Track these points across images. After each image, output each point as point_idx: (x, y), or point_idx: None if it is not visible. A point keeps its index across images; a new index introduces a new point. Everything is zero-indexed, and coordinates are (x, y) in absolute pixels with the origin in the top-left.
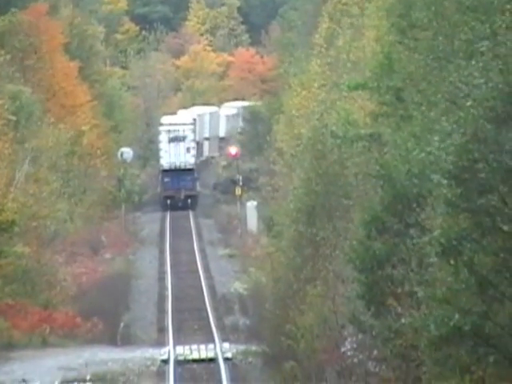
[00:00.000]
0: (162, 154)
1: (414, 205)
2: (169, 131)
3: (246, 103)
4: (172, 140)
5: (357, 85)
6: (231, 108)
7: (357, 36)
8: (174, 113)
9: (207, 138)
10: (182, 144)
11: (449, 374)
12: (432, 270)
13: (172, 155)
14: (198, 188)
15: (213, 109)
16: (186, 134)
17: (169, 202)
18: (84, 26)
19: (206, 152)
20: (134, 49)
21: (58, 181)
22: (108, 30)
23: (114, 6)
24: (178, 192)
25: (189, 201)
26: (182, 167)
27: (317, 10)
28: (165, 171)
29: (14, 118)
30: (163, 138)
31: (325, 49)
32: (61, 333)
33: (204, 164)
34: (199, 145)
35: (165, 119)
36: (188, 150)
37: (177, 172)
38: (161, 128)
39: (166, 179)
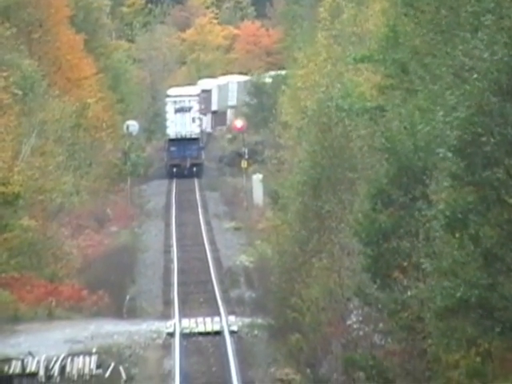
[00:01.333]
0: (168, 123)
1: (420, 178)
2: (175, 102)
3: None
4: (178, 110)
5: (362, 57)
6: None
7: (361, 9)
8: (191, 84)
9: (232, 107)
10: (187, 114)
11: (455, 346)
12: (438, 242)
13: (178, 125)
14: (203, 156)
15: (237, 78)
16: (191, 104)
17: (175, 170)
18: None
19: (228, 120)
20: (140, 22)
21: (64, 154)
22: (114, 3)
23: None
24: (184, 160)
25: (194, 169)
26: (188, 137)
27: None
28: (171, 140)
29: (19, 91)
30: (170, 108)
31: (329, 22)
32: (67, 306)
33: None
34: (223, 114)
35: (171, 91)
36: (193, 120)
37: (183, 141)
38: (167, 99)
39: (172, 148)
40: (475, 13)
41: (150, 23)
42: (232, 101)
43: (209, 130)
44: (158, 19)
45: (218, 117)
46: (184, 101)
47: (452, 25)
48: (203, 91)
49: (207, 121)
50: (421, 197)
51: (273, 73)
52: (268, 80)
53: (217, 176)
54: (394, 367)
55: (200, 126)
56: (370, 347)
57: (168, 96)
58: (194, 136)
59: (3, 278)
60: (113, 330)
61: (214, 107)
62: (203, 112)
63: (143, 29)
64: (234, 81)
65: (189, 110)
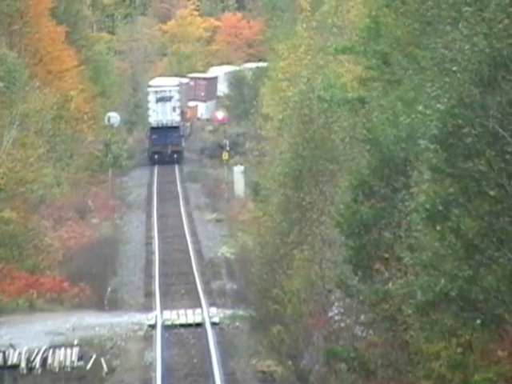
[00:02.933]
0: (150, 112)
1: (401, 169)
2: (156, 92)
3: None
4: (159, 100)
5: (344, 48)
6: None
7: (342, 1)
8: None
9: None
10: (168, 104)
11: (435, 338)
12: (418, 235)
13: (159, 114)
14: (183, 144)
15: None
16: (172, 94)
17: (156, 156)
18: None
19: None
20: (121, 13)
21: (45, 146)
22: None
23: None
24: (165, 147)
25: (175, 156)
26: (169, 125)
27: None
28: (153, 128)
29: (1, 83)
30: (151, 98)
31: (310, 13)
32: (48, 297)
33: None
34: None
35: (153, 81)
36: (174, 109)
37: (164, 129)
38: (149, 89)
39: (154, 136)
40: (455, 4)
41: (131, 15)
42: None
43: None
44: (138, 11)
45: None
46: (165, 91)
47: (434, 16)
48: (209, 78)
49: (212, 106)
50: (402, 188)
51: (253, 65)
52: (248, 72)
53: (198, 167)
54: (376, 358)
55: (180, 114)
56: (351, 339)
57: (150, 86)
58: (174, 124)
59: None
60: (94, 321)
61: (220, 93)
62: (208, 98)
63: (124, 20)
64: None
65: (169, 99)
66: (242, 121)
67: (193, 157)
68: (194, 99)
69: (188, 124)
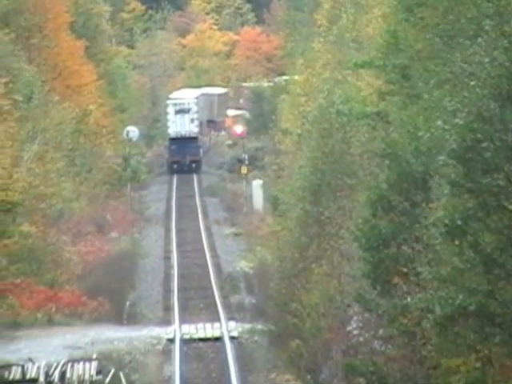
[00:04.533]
0: (169, 124)
1: (420, 184)
2: (175, 104)
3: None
4: (178, 112)
5: (363, 63)
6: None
7: (360, 14)
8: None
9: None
10: (186, 116)
11: (455, 353)
12: (437, 249)
13: (178, 125)
14: (201, 154)
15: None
16: (190, 106)
17: (175, 166)
18: (89, 4)
19: None
20: (140, 28)
21: (64, 160)
22: (114, 9)
23: None
24: (184, 157)
25: (193, 165)
26: (187, 136)
27: None
28: (172, 139)
29: (20, 98)
30: (170, 110)
31: (327, 28)
32: (67, 312)
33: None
34: None
35: (172, 95)
36: (192, 120)
37: (182, 140)
38: (168, 102)
39: (173, 146)
40: (475, 18)
41: (150, 29)
42: None
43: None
44: (158, 25)
45: None
46: (183, 103)
47: (453, 30)
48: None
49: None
50: (421, 203)
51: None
52: (267, 86)
53: (217, 181)
54: (394, 373)
55: (198, 126)
56: (370, 353)
57: (169, 99)
58: (192, 135)
59: (3, 284)
60: (113, 335)
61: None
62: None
63: (143, 35)
64: None
65: (188, 111)
66: (260, 135)
67: (211, 171)
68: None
69: (206, 139)
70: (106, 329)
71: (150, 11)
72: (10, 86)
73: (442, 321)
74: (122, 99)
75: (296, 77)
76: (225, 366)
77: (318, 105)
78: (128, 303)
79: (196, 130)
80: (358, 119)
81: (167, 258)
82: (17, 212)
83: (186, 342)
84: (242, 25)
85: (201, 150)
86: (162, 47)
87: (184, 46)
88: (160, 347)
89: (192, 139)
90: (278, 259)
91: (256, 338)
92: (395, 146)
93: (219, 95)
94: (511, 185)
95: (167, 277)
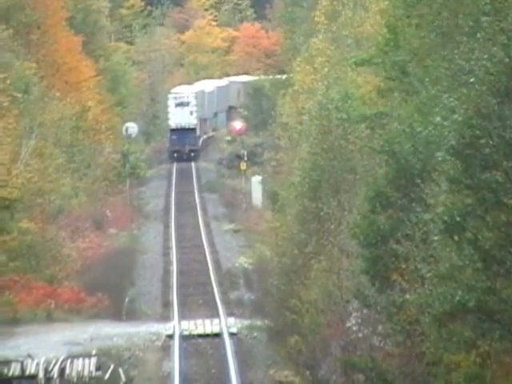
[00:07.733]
0: (170, 116)
1: (418, 180)
2: (175, 98)
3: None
4: (178, 105)
5: (363, 61)
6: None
7: (359, 11)
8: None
9: None
10: (186, 108)
11: (454, 349)
12: (435, 246)
13: (178, 117)
14: (200, 144)
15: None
16: (189, 100)
17: (175, 155)
18: (88, 0)
19: None
20: (139, 24)
21: (63, 156)
22: (113, 5)
23: None
24: (183, 147)
25: (192, 154)
26: (186, 127)
27: None
28: (172, 130)
29: (18, 94)
30: (171, 103)
31: (326, 25)
32: (66, 308)
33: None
34: None
35: (174, 89)
36: (191, 112)
37: (182, 131)
38: (169, 95)
39: (173, 136)
40: (473, 14)
41: (149, 25)
42: None
43: None
44: (157, 21)
45: None
46: (183, 97)
47: (451, 27)
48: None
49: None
50: (419, 199)
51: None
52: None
53: (216, 178)
54: (393, 369)
55: (196, 118)
56: (369, 349)
57: (170, 93)
58: (191, 126)
59: (2, 281)
60: (112, 332)
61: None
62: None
63: (142, 31)
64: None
65: (187, 104)
66: (259, 131)
67: (210, 167)
68: None
69: (205, 136)
70: (105, 325)
71: (149, 7)
72: (8, 82)
73: (440, 317)
74: (121, 95)
75: (295, 74)
76: (224, 362)
77: (317, 101)
78: (127, 299)
79: (195, 121)
80: (357, 122)
81: (166, 254)
82: (15, 208)
83: (185, 338)
84: (241, 21)
85: (199, 140)
86: (160, 43)
87: (183, 42)
88: (159, 343)
89: (191, 130)
90: (277, 255)
91: (255, 334)
92: (393, 142)
93: (244, 83)
94: (510, 181)
95: (166, 273)
